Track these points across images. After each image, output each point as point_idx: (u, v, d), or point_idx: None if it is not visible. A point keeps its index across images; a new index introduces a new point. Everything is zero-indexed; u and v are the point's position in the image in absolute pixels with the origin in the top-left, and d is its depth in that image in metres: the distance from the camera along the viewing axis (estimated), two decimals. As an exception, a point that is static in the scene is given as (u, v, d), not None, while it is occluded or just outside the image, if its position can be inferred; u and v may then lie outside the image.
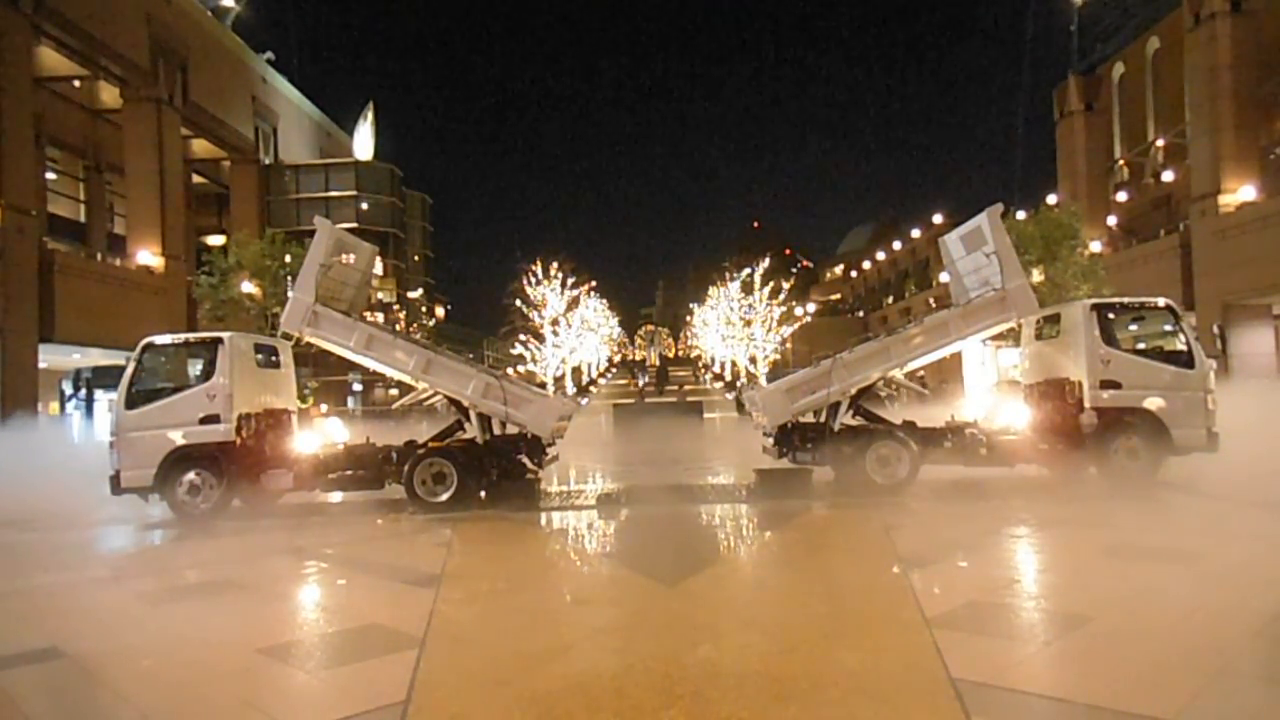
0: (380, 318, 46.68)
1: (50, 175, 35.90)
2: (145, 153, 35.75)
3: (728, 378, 51.16)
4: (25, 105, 28.75)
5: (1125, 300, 12.06)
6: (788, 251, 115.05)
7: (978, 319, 11.44)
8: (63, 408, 28.98)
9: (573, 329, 47.19)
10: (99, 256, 35.37)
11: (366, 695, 4.40)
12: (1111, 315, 11.20)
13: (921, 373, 13.28)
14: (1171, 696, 3.99)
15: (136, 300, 33.16)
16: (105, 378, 24.88)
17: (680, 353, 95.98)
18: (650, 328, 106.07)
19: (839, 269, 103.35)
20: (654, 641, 5.27)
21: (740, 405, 35.05)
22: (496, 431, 11.58)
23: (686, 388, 51.05)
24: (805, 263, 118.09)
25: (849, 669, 4.59)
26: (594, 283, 54.34)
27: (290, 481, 11.19)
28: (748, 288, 48.17)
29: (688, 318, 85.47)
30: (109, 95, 36.46)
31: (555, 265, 44.89)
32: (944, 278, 17.58)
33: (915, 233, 70.71)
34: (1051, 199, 35.36)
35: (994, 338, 13.70)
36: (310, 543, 9.32)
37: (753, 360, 47.13)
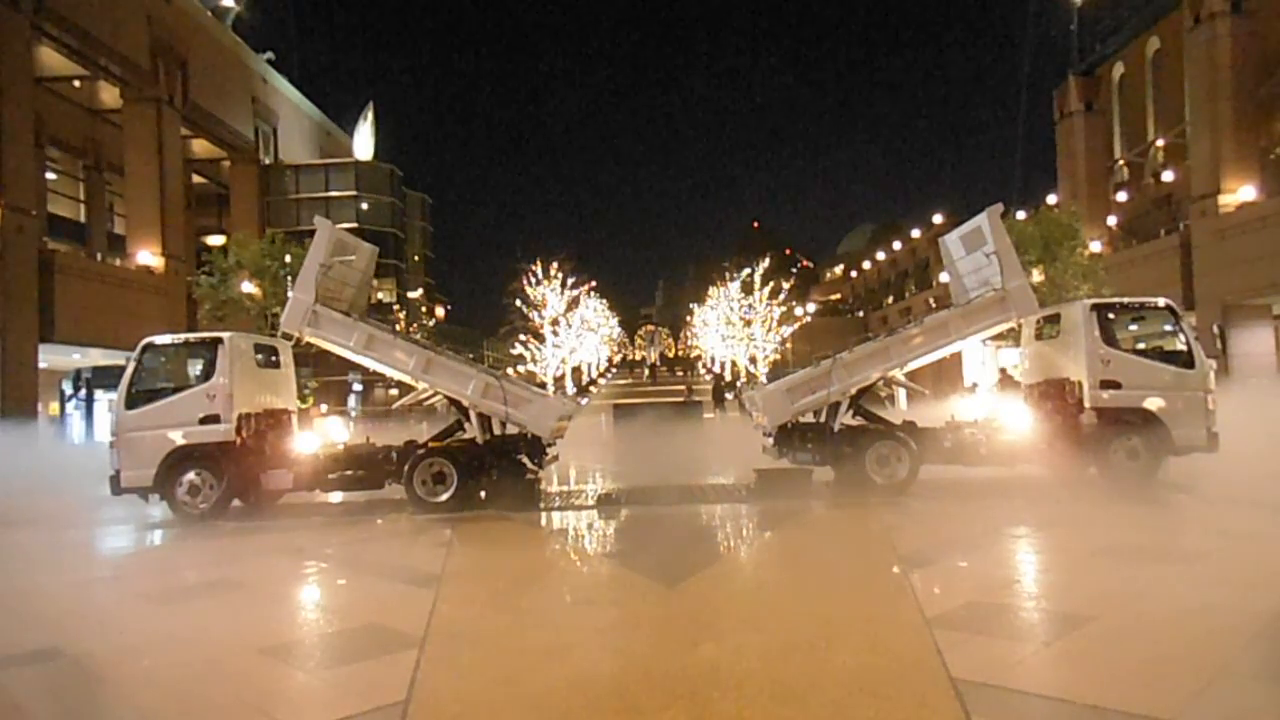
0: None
1: (50, 175, 35.89)
2: (145, 153, 35.72)
3: (726, 378, 51.11)
4: (25, 105, 28.73)
5: (1125, 300, 12.06)
6: (788, 251, 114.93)
7: (978, 319, 11.45)
8: (63, 408, 28.99)
9: (573, 329, 47.21)
10: (99, 256, 35.35)
11: (366, 695, 4.40)
12: (1111, 315, 11.20)
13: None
14: (1172, 696, 3.99)
15: (136, 300, 33.13)
16: (105, 378, 24.88)
17: (680, 353, 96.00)
18: (650, 328, 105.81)
19: (839, 269, 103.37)
20: (654, 641, 5.28)
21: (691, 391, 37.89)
22: (496, 431, 11.59)
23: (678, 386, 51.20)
24: (805, 263, 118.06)
25: (849, 669, 4.59)
26: (594, 283, 54.44)
27: (290, 481, 11.19)
28: (748, 288, 48.24)
29: (688, 318, 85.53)
30: (109, 95, 36.43)
31: (555, 265, 44.95)
32: (944, 278, 17.58)
33: (915, 233, 70.64)
34: (1051, 199, 35.44)
35: (994, 338, 13.70)
36: (310, 543, 9.33)
37: (753, 360, 47.17)
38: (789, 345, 48.50)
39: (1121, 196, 42.35)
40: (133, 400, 10.97)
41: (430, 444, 11.52)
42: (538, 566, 8.23)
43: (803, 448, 11.46)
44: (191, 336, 12.58)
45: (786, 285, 49.72)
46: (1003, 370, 24.02)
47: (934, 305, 36.66)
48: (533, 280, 44.40)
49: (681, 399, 34.71)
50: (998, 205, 11.49)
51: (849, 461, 11.20)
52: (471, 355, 13.06)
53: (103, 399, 25.36)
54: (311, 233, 12.08)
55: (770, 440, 11.66)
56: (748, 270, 48.87)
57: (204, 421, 10.85)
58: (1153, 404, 10.73)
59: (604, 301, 66.16)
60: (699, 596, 6.47)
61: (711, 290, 59.49)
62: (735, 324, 49.39)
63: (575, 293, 47.17)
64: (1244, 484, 10.18)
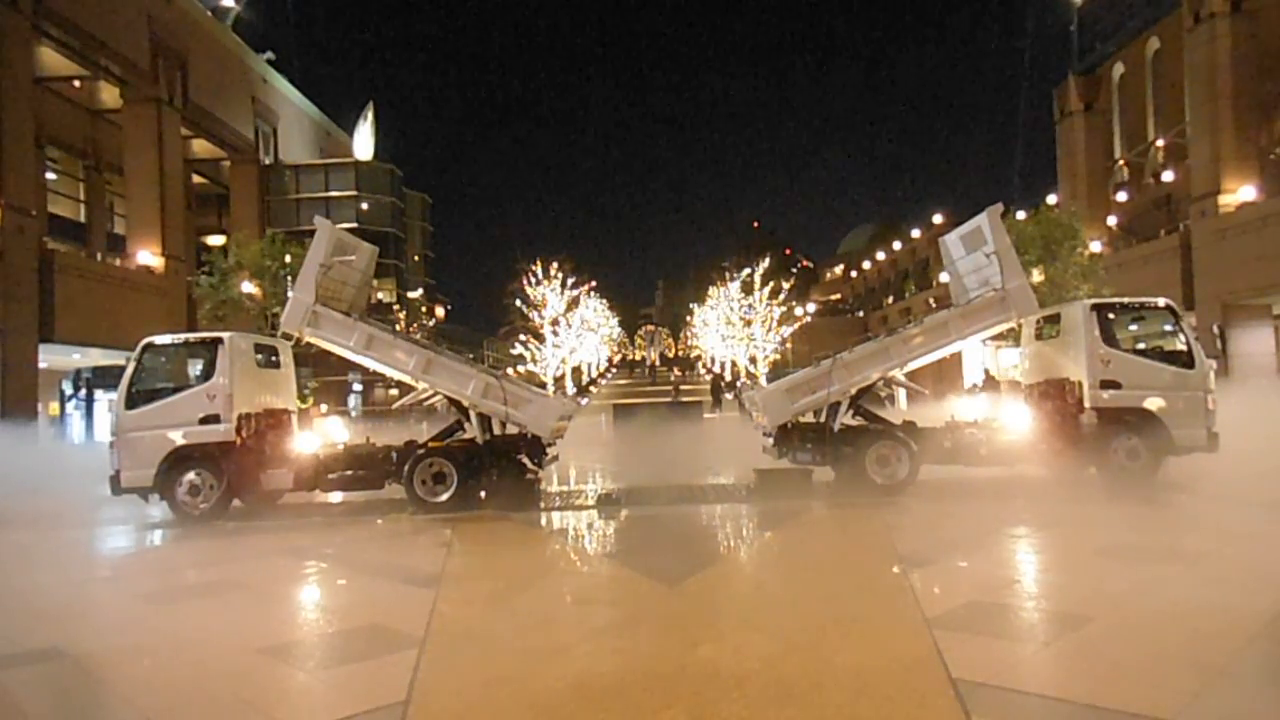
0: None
1: (50, 175, 35.84)
2: (145, 153, 35.71)
3: (727, 377, 51.10)
4: (25, 105, 28.73)
5: (1125, 300, 12.06)
6: (788, 251, 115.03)
7: (978, 319, 11.45)
8: (63, 408, 28.96)
9: (573, 329, 47.19)
10: (99, 256, 35.31)
11: (366, 695, 4.41)
12: (1111, 315, 11.20)
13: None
14: (1172, 696, 3.99)
15: (136, 300, 33.12)
16: (105, 378, 24.87)
17: (680, 353, 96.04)
18: (650, 328, 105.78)
19: (839, 269, 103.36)
20: (654, 641, 5.28)
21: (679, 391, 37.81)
22: (496, 431, 11.59)
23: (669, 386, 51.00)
24: (805, 263, 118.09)
25: (849, 669, 4.59)
26: (594, 283, 54.41)
27: (290, 481, 11.20)
28: (748, 288, 48.14)
29: (688, 318, 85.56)
30: (109, 95, 36.42)
31: (555, 265, 44.95)
32: (944, 278, 17.59)
33: (915, 233, 70.71)
34: (1051, 199, 35.34)
35: (994, 338, 13.70)
36: (310, 543, 9.33)
37: (753, 360, 47.14)
38: (789, 345, 48.47)
39: (1121, 196, 42.34)
40: (133, 400, 10.96)
41: (430, 444, 11.52)
42: (538, 566, 8.23)
43: (803, 448, 11.46)
44: (191, 336, 12.57)
45: (786, 285, 49.62)
46: (986, 371, 24.15)
47: (934, 305, 36.70)
48: (533, 280, 44.39)
49: (669, 399, 34.14)
50: (998, 205, 11.49)
51: (849, 461, 11.20)
52: (471, 355, 13.05)
53: (103, 399, 25.35)
54: (311, 233, 12.09)
55: (770, 440, 11.66)
56: (748, 270, 48.82)
57: (204, 421, 10.85)
58: (1153, 404, 10.73)
59: (604, 301, 66.21)
60: (699, 596, 6.47)
61: (711, 290, 59.47)
62: (735, 324, 49.35)
63: (575, 293, 47.15)
64: (1244, 484, 10.19)
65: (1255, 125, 31.94)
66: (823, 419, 11.55)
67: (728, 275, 51.79)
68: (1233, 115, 31.37)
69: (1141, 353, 11.29)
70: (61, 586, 7.55)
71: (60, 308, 28.88)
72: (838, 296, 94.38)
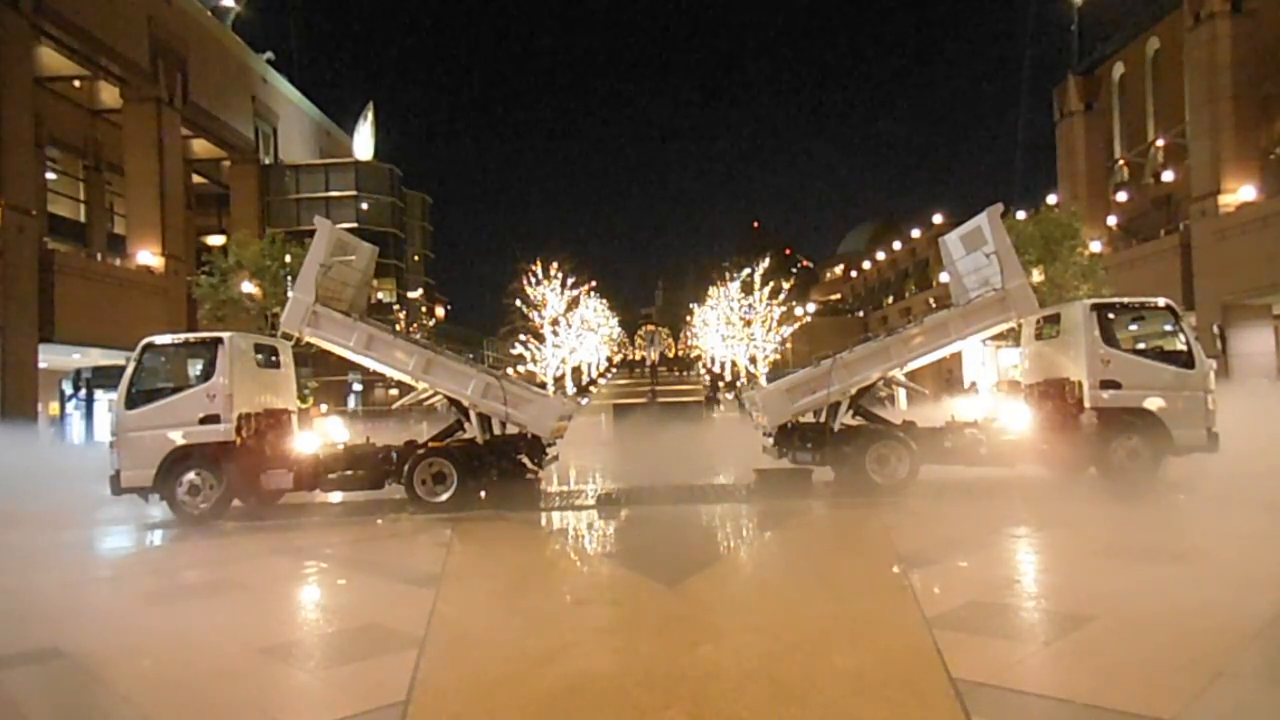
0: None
1: (50, 175, 35.88)
2: (145, 153, 35.75)
3: (726, 378, 51.09)
4: (25, 105, 28.75)
5: (1125, 300, 12.06)
6: (788, 251, 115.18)
7: (978, 319, 11.45)
8: (63, 408, 28.97)
9: (573, 329, 47.19)
10: (99, 256, 35.35)
11: (366, 695, 4.40)
12: (1111, 315, 11.20)
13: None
14: (1172, 696, 3.99)
15: (136, 300, 33.15)
16: (105, 378, 24.87)
17: (680, 353, 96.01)
18: (650, 328, 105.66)
19: (839, 269, 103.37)
20: (654, 641, 5.27)
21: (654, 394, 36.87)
22: (496, 431, 11.59)
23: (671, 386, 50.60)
24: (805, 263, 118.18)
25: (849, 669, 4.59)
26: (594, 282, 54.43)
27: (290, 481, 11.19)
28: (748, 288, 48.17)
29: (688, 318, 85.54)
30: (109, 95, 36.47)
31: (555, 265, 44.96)
32: (944, 278, 17.60)
33: (915, 233, 70.73)
34: (1051, 199, 35.41)
35: (994, 338, 13.70)
36: (310, 543, 9.33)
37: (753, 360, 47.15)
38: (789, 345, 48.49)
39: (1121, 196, 42.37)
40: (133, 400, 10.95)
41: (430, 444, 11.53)
42: (538, 566, 8.23)
43: (803, 448, 11.46)
44: (191, 336, 12.56)
45: (786, 285, 49.64)
46: (951, 376, 24.11)
47: (934, 305, 36.69)
48: (533, 280, 44.40)
49: (644, 400, 32.92)
50: (998, 205, 11.50)
51: (849, 461, 11.21)
52: (471, 355, 13.05)
53: (103, 399, 25.35)
54: (311, 232, 12.09)
55: (770, 440, 11.66)
56: (748, 270, 48.85)
57: (204, 421, 10.85)
58: (1153, 404, 10.74)
59: (604, 301, 66.25)
60: (699, 596, 6.47)
61: (711, 290, 59.48)
62: (735, 324, 49.36)
63: (575, 293, 47.16)
64: (1244, 484, 10.18)
65: (1255, 125, 31.97)
66: (823, 419, 11.55)
67: (727, 275, 51.82)
68: (1233, 115, 31.41)
69: (1141, 353, 11.29)
70: (61, 586, 7.55)
71: (60, 308, 28.92)
72: (838, 296, 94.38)
